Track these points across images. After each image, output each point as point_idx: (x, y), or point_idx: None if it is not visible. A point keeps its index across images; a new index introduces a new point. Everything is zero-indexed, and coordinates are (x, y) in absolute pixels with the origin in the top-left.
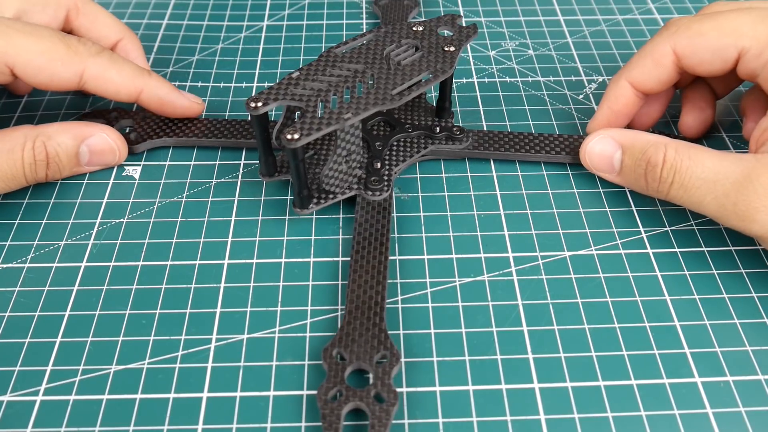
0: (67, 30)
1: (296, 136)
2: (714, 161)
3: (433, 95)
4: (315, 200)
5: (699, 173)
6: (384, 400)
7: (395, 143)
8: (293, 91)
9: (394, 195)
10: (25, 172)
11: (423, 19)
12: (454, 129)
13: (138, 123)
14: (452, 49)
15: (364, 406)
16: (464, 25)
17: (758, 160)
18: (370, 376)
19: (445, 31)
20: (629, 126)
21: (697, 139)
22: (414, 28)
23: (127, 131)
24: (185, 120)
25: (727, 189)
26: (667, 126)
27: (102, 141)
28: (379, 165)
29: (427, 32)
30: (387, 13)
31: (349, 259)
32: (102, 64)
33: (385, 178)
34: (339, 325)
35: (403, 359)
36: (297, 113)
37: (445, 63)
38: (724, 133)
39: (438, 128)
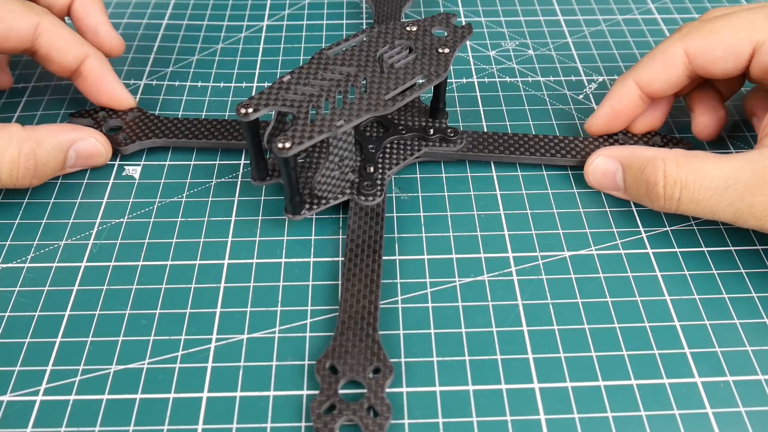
0: None
1: (288, 145)
2: (721, 169)
3: (427, 96)
4: (307, 206)
5: (708, 184)
6: (378, 413)
7: (388, 145)
8: (284, 96)
9: (386, 198)
10: (2, 178)
11: (417, 19)
12: (448, 131)
13: (127, 123)
14: (446, 50)
15: (358, 420)
16: (460, 24)
17: (766, 158)
18: (365, 389)
19: (440, 31)
20: (629, 130)
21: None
22: (407, 28)
23: (116, 132)
24: (185, 121)
25: (740, 193)
26: (669, 129)
27: (90, 145)
28: (372, 169)
29: (421, 32)
30: (380, 6)
31: None
32: (55, 21)
33: (378, 182)
34: (332, 336)
35: (403, 359)
36: (288, 116)
37: (439, 66)
38: (724, 134)
39: (432, 129)
